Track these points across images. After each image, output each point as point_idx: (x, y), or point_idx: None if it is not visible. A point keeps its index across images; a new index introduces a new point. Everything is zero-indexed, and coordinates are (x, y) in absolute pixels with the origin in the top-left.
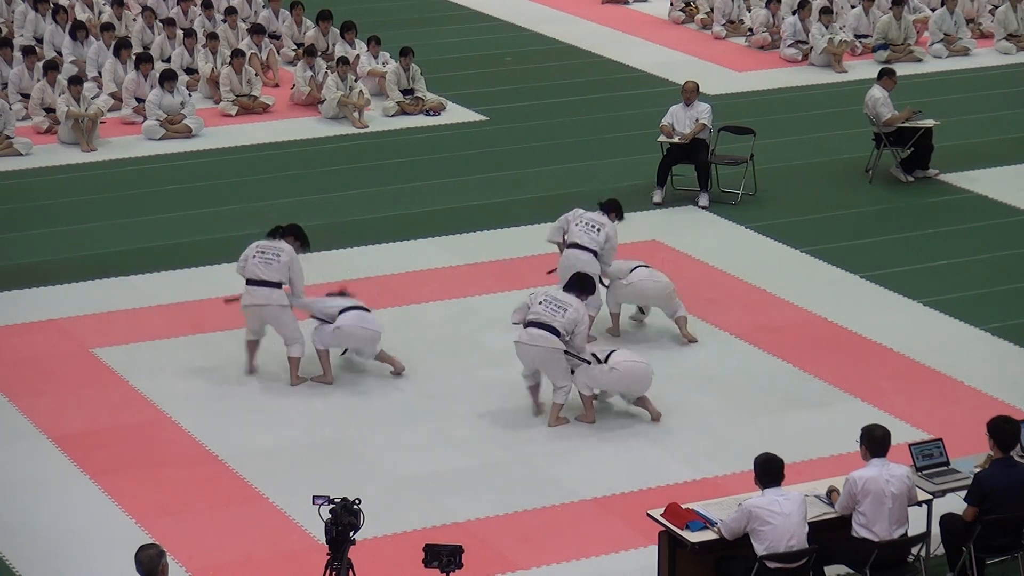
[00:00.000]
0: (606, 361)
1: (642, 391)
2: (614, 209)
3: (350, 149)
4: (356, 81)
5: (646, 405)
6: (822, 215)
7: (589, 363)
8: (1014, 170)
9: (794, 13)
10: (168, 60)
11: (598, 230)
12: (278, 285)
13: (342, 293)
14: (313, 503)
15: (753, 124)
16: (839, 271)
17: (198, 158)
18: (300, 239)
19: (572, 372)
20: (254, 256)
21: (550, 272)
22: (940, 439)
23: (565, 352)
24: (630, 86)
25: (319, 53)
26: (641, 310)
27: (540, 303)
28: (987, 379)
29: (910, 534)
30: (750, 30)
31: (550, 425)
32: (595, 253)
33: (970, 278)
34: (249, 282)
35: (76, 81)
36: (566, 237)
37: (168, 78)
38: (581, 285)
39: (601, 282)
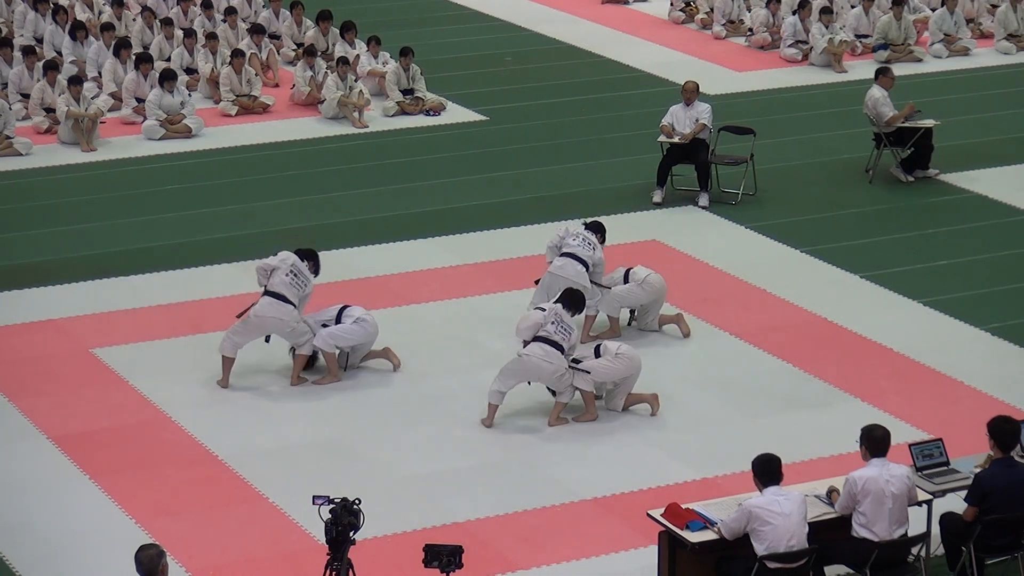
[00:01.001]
0: (600, 354)
1: (637, 377)
2: (601, 231)
3: (350, 149)
4: (356, 81)
5: (644, 400)
6: (822, 215)
7: (589, 372)
8: (1014, 170)
9: (794, 13)
10: (168, 60)
11: (593, 248)
12: (295, 304)
13: None
14: (313, 503)
15: (753, 124)
16: (839, 271)
17: (198, 158)
18: (316, 266)
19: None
20: (287, 275)
21: (537, 281)
22: (940, 439)
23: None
24: (630, 86)
25: (319, 53)
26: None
27: (552, 323)
28: (987, 379)
29: (910, 534)
30: (750, 30)
31: (550, 424)
32: (586, 267)
33: (970, 278)
34: (269, 293)
35: (76, 81)
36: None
37: (168, 78)
38: (575, 302)
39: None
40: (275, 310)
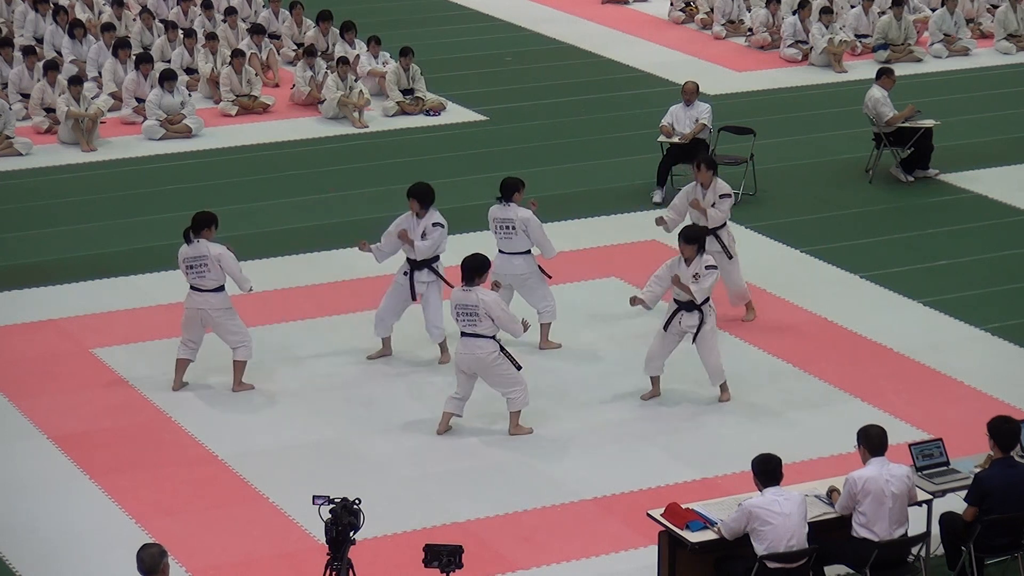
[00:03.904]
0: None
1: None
2: (515, 190)
3: (350, 149)
4: (356, 81)
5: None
6: (822, 215)
7: (520, 368)
8: (1014, 170)
9: (794, 13)
10: (168, 60)
11: (512, 228)
12: (218, 290)
13: None
14: (313, 503)
15: (753, 124)
16: (839, 271)
17: (198, 158)
18: (212, 224)
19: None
20: (186, 272)
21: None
22: (940, 439)
23: (501, 351)
24: (630, 86)
25: (319, 53)
26: None
27: (457, 319)
28: (987, 379)
29: (910, 534)
30: (750, 30)
31: (510, 433)
32: (520, 253)
33: (970, 278)
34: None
35: (76, 81)
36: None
37: (168, 78)
38: (476, 269)
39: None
40: (191, 301)
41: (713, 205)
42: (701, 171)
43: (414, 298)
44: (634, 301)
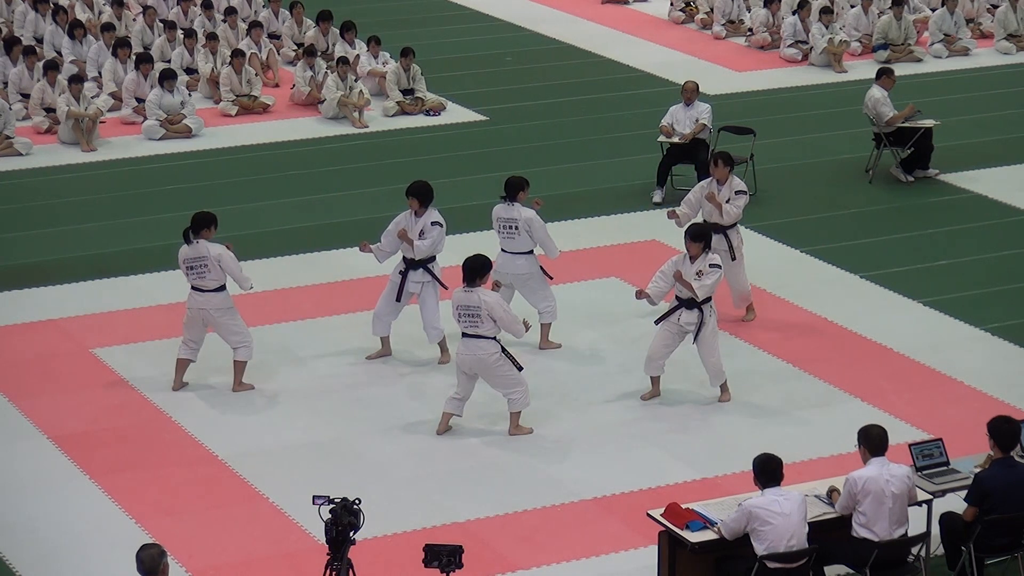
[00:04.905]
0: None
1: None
2: (519, 188)
3: (350, 149)
4: (356, 81)
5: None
6: (822, 215)
7: (521, 369)
8: (1014, 170)
9: (794, 13)
10: (168, 60)
11: (515, 228)
12: (220, 289)
13: None
14: (313, 503)
15: (753, 124)
16: (839, 271)
17: (198, 158)
18: (211, 224)
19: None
20: (186, 272)
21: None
22: (940, 439)
23: (503, 352)
24: (630, 86)
25: (319, 53)
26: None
27: (459, 320)
28: (987, 379)
29: (910, 534)
30: (750, 30)
31: (510, 434)
32: (523, 252)
33: (970, 278)
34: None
35: (76, 80)
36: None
37: (168, 78)
38: (478, 270)
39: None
40: (193, 301)
41: (728, 201)
42: (718, 167)
43: (399, 299)
44: (639, 294)
